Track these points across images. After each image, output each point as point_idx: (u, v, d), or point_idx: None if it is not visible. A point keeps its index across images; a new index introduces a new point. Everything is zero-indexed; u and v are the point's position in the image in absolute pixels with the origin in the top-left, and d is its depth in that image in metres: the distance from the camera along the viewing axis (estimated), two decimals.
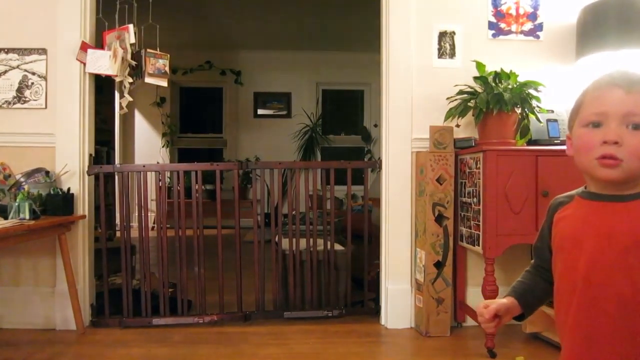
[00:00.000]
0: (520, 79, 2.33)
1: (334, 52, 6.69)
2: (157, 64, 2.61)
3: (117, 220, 4.12)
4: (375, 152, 6.82)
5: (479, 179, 2.19)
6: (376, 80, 2.76)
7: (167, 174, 3.60)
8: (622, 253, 0.84)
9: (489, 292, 2.16)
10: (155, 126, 6.94)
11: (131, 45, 2.53)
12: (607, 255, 0.86)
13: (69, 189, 2.43)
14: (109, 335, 2.43)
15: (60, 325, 2.50)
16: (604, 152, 0.85)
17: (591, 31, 2.40)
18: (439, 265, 2.42)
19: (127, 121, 6.70)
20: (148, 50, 2.59)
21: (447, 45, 2.60)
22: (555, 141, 2.32)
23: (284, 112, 7.11)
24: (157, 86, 2.73)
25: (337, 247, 2.82)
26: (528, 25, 2.63)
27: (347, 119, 7.41)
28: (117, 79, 2.55)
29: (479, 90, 2.36)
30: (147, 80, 2.59)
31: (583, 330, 0.89)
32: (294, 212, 2.71)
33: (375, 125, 6.82)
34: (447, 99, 2.48)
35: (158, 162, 5.26)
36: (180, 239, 2.60)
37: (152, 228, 3.67)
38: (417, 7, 2.58)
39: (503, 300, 1.04)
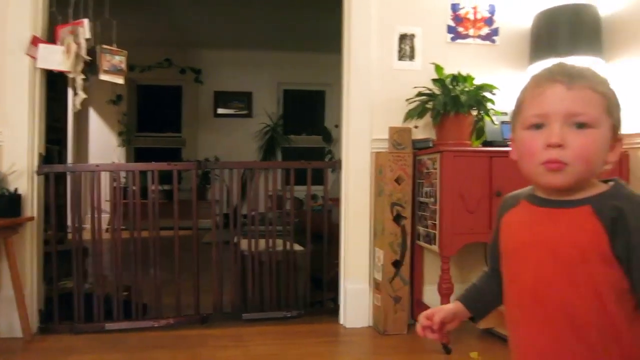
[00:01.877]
0: (477, 82, 2.38)
1: (295, 52, 6.67)
2: (113, 60, 2.53)
3: (69, 222, 3.97)
4: (336, 152, 6.85)
5: (436, 179, 2.23)
6: (337, 80, 2.77)
7: (123, 174, 3.49)
8: (567, 266, 0.78)
9: (445, 290, 2.20)
10: (111, 125, 6.74)
11: (86, 40, 2.44)
12: (553, 269, 0.80)
13: (16, 190, 2.32)
14: (58, 342, 2.34)
15: (5, 332, 2.38)
16: (548, 157, 0.79)
17: (544, 37, 2.48)
18: (397, 264, 2.45)
19: (81, 119, 6.48)
20: (104, 46, 2.50)
21: (407, 48, 2.64)
22: (509, 142, 2.39)
23: (245, 112, 7.04)
24: (113, 83, 2.65)
25: (297, 247, 2.81)
26: (485, 30, 2.70)
27: (308, 119, 7.41)
28: (70, 76, 2.46)
29: (437, 92, 2.40)
30: (102, 77, 2.51)
31: (536, 350, 0.83)
32: (253, 213, 2.68)
33: (336, 126, 6.85)
34: (407, 100, 2.51)
35: (113, 162, 5.10)
36: (135, 241, 2.53)
37: (106, 230, 3.56)
38: (379, 9, 2.61)
39: (449, 306, 1.02)
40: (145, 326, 2.51)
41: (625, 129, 2.34)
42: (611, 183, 0.84)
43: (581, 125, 0.79)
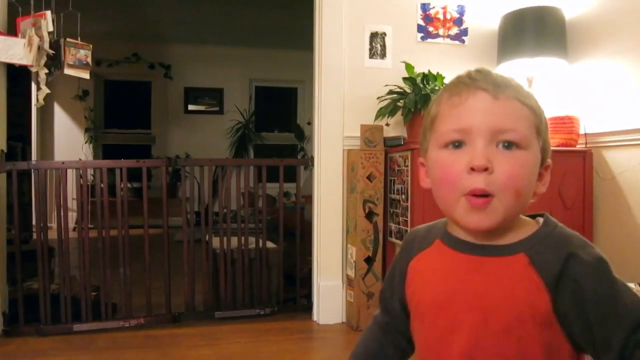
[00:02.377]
0: (447, 81, 2.42)
1: (267, 48, 6.64)
2: (78, 54, 2.47)
3: (34, 221, 3.86)
4: (309, 149, 6.86)
5: (408, 176, 2.26)
6: (309, 78, 2.77)
7: (90, 172, 3.41)
8: (504, 336, 0.63)
9: None
10: (78, 121, 6.56)
11: (49, 33, 2.37)
12: (486, 340, 0.64)
13: None
14: (23, 345, 2.27)
15: None
16: (473, 187, 0.63)
17: (511, 38, 2.54)
18: (369, 260, 2.47)
19: (46, 115, 6.29)
20: (68, 39, 2.44)
21: (378, 46, 2.66)
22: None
23: (216, 108, 6.96)
24: (79, 78, 2.58)
25: (270, 244, 2.81)
26: (454, 30, 2.74)
27: (280, 116, 7.38)
28: (33, 70, 2.38)
29: (408, 90, 2.43)
30: (67, 71, 2.44)
31: None
32: (225, 211, 2.66)
33: (309, 123, 6.86)
34: (378, 98, 2.53)
35: (80, 159, 4.98)
36: (103, 240, 2.48)
37: (73, 229, 3.47)
38: (349, 7, 2.62)
39: None
40: (115, 326, 2.47)
41: (589, 128, 2.42)
42: (540, 219, 0.70)
43: (509, 145, 0.64)
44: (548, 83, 2.72)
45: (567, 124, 2.41)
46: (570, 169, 2.35)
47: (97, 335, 2.39)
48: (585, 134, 2.43)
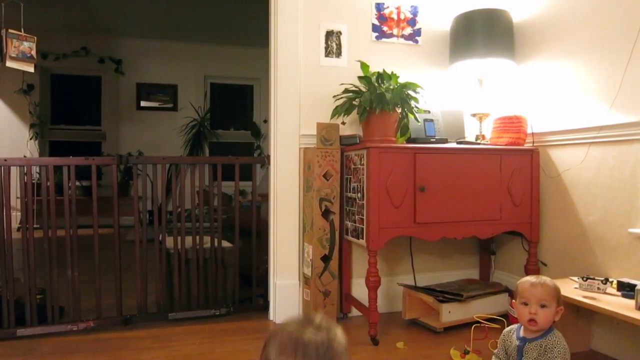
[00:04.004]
0: (401, 80, 2.46)
1: (222, 45, 6.54)
2: (22, 46, 2.35)
3: None
4: (265, 148, 6.81)
5: (363, 174, 2.28)
6: (265, 75, 2.75)
7: (35, 169, 3.25)
8: None
9: (372, 283, 2.26)
10: (22, 116, 6.26)
11: None
12: None
13: None
14: None
15: None
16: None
17: (461, 39, 2.61)
18: (325, 259, 2.48)
19: None
20: (10, 30, 2.32)
21: (334, 45, 2.67)
22: (432, 139, 2.49)
23: (170, 105, 6.81)
24: (23, 72, 2.46)
25: (225, 244, 2.77)
26: (408, 30, 2.79)
27: (236, 113, 7.30)
28: None
29: (364, 89, 2.45)
30: (9, 64, 2.33)
31: None
32: (179, 209, 2.61)
33: (265, 121, 6.81)
34: (334, 97, 2.55)
35: (25, 156, 4.75)
36: (49, 240, 2.38)
37: (17, 229, 3.31)
38: (305, 5, 2.61)
39: None
40: (63, 330, 2.37)
41: (536, 127, 2.51)
42: None
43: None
44: (497, 83, 2.82)
45: (515, 123, 2.50)
46: (519, 167, 2.44)
47: (42, 340, 2.29)
48: (533, 133, 2.53)
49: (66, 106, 6.77)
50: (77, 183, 2.52)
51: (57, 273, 2.39)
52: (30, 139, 6.24)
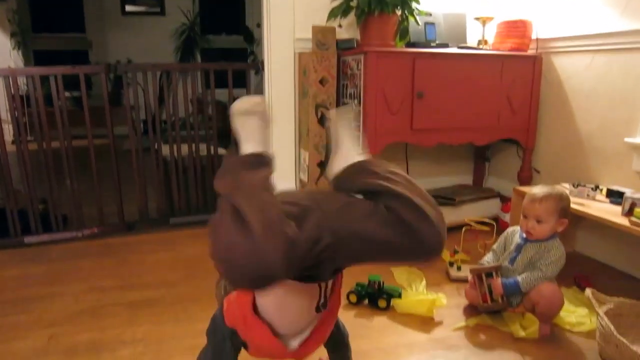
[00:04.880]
0: None
1: None
2: None
3: None
4: (259, 54, 6.60)
5: (360, 80, 2.24)
6: None
7: (22, 80, 3.16)
8: None
9: None
10: (1, 25, 5.97)
11: None
12: None
13: None
14: None
15: None
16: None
17: None
18: (322, 165, 2.51)
19: None
20: None
21: None
22: (432, 44, 2.42)
23: (157, 10, 6.49)
24: None
25: (221, 151, 2.78)
26: None
27: (227, 17, 6.97)
28: None
29: None
30: None
31: None
32: (173, 118, 2.58)
33: (258, 25, 6.53)
34: None
35: (9, 67, 4.60)
36: (45, 152, 2.37)
37: (12, 142, 3.30)
38: None
39: None
40: (68, 237, 2.45)
41: (541, 33, 2.42)
42: None
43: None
44: None
45: (519, 28, 2.41)
46: (521, 73, 2.39)
47: (50, 247, 2.37)
48: (537, 39, 2.45)
49: (46, 12, 6.43)
50: (67, 94, 2.46)
51: (56, 183, 2.42)
52: (13, 49, 6.00)
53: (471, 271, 1.71)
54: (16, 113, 2.34)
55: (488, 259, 1.78)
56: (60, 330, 1.58)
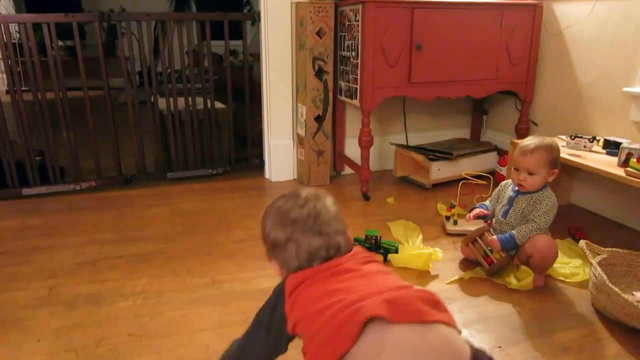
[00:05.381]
0: None
1: None
2: None
3: None
4: (255, 3, 6.41)
5: (358, 31, 2.18)
6: None
7: (14, 28, 3.08)
8: None
9: (365, 143, 2.31)
10: None
11: None
12: None
13: None
14: None
15: None
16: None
17: None
18: (319, 119, 2.49)
19: None
20: None
21: None
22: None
23: None
24: None
25: (218, 105, 2.75)
26: None
27: None
28: None
29: None
30: None
31: None
32: (169, 70, 2.54)
33: None
34: None
35: (0, 14, 4.47)
36: (40, 103, 2.35)
37: (6, 92, 3.26)
38: None
39: None
40: (66, 190, 2.47)
41: None
42: None
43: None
44: None
45: None
46: (520, 23, 2.34)
47: (48, 199, 2.39)
48: None
49: None
50: (60, 43, 2.41)
51: (52, 135, 2.41)
52: None
53: (464, 242, 1.74)
54: (9, 62, 2.30)
55: (486, 204, 1.80)
56: (60, 281, 1.62)
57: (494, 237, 1.65)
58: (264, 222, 0.95)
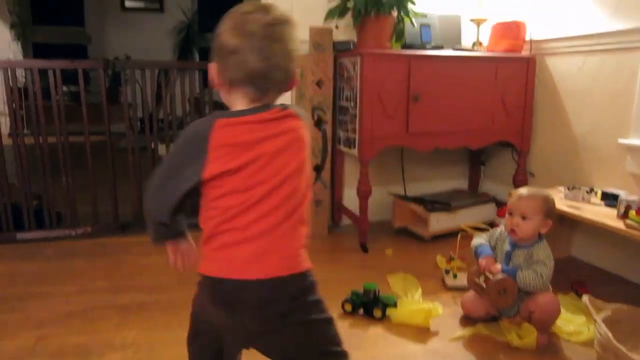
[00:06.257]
0: None
1: None
2: None
3: None
4: None
5: (357, 82, 2.23)
6: None
7: (20, 73, 3.14)
8: None
9: (363, 193, 2.30)
10: (1, 15, 5.94)
11: None
12: None
13: None
14: None
15: None
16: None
17: None
18: (317, 168, 2.50)
19: None
20: None
21: None
22: (427, 46, 2.41)
23: (156, 6, 6.47)
24: None
25: None
26: None
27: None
28: None
29: None
30: None
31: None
32: (170, 117, 2.57)
33: None
34: None
35: (8, 59, 4.58)
36: (41, 146, 2.36)
37: (8, 135, 3.28)
38: None
39: None
40: (61, 235, 2.44)
41: (534, 34, 2.41)
42: None
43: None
44: None
45: (513, 29, 2.41)
46: (515, 75, 2.39)
47: (43, 244, 2.36)
48: (531, 41, 2.45)
49: (46, 4, 6.40)
50: (65, 88, 2.45)
51: (51, 179, 2.41)
52: (13, 40, 5.97)
53: (468, 279, 1.70)
54: (14, 105, 2.33)
55: (481, 241, 1.73)
56: (49, 331, 1.57)
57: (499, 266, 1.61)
58: (224, 20, 0.92)
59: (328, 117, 2.46)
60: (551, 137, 2.45)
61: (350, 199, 2.69)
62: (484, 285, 1.61)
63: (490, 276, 1.59)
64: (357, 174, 2.36)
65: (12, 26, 5.96)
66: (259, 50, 0.86)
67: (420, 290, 1.89)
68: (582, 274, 2.11)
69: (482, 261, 1.65)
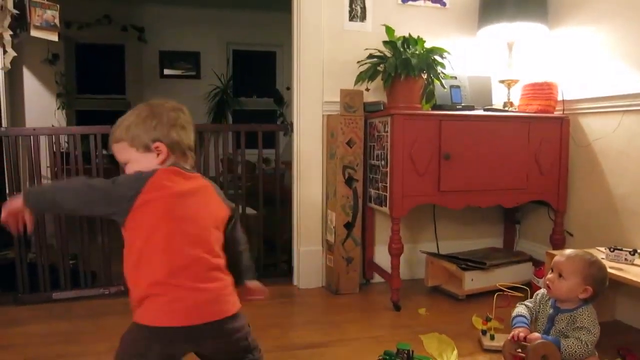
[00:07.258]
0: (427, 45, 2.39)
1: (244, 10, 6.46)
2: (45, 15, 2.36)
3: (7, 190, 3.75)
4: (288, 115, 6.78)
5: (387, 142, 2.26)
6: (288, 41, 2.71)
7: (64, 138, 3.32)
8: None
9: (395, 250, 2.27)
10: (49, 86, 6.32)
11: None
12: None
13: None
14: (2, 315, 2.25)
15: None
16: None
17: (491, 1, 2.51)
18: (348, 226, 2.49)
19: (15, 80, 6.04)
20: None
21: (359, 8, 2.61)
22: (458, 106, 2.44)
23: (193, 73, 6.79)
24: (48, 41, 2.48)
25: (249, 210, 2.80)
26: None
27: (259, 81, 7.25)
28: None
29: (388, 54, 2.40)
30: (34, 33, 2.34)
31: None
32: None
33: (288, 88, 6.75)
34: (358, 62, 2.50)
35: (53, 126, 4.84)
36: None
37: None
38: None
39: None
40: (95, 294, 2.46)
41: (567, 94, 2.42)
42: None
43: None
44: (527, 49, 2.72)
45: (545, 90, 2.43)
46: (548, 135, 2.38)
47: (76, 303, 2.39)
48: (563, 101, 2.45)
49: (91, 75, 6.82)
50: (104, 152, 2.56)
51: (88, 240, 2.47)
52: (58, 108, 6.33)
53: (504, 349, 1.62)
54: (56, 169, 2.44)
55: (521, 311, 1.68)
56: None
57: (537, 334, 1.54)
58: (154, 119, 1.36)
59: (359, 175, 2.48)
60: (588, 197, 2.39)
61: (381, 256, 2.65)
62: (523, 355, 1.53)
63: (528, 345, 1.52)
64: (388, 231, 2.34)
65: (59, 95, 6.34)
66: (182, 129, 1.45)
67: (456, 351, 1.81)
68: (628, 338, 1.99)
69: (516, 331, 1.59)
